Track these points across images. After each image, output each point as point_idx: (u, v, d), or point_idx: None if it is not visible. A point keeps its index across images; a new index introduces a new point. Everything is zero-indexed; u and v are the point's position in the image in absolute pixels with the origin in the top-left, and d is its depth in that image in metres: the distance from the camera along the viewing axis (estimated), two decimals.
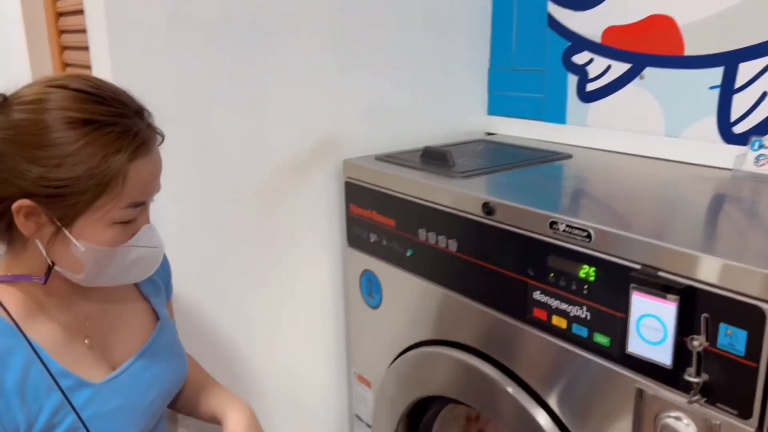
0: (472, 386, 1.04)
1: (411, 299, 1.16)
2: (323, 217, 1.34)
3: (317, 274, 1.35)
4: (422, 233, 1.10)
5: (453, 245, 1.04)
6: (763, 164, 1.02)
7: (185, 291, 1.20)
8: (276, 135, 1.24)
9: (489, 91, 1.49)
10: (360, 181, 1.23)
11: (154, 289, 0.97)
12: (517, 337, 0.96)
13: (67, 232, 0.75)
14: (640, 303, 0.76)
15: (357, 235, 1.27)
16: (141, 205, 0.79)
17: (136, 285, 0.94)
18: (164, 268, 1.02)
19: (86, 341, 0.85)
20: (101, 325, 0.88)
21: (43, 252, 0.77)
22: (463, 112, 1.49)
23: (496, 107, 1.49)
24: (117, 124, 0.74)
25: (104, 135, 0.73)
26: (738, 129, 1.08)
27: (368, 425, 1.34)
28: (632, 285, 0.77)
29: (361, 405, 1.36)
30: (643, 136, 1.21)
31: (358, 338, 1.34)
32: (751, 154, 1.04)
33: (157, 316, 0.95)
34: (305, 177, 1.29)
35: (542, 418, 0.94)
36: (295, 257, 1.32)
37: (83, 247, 0.76)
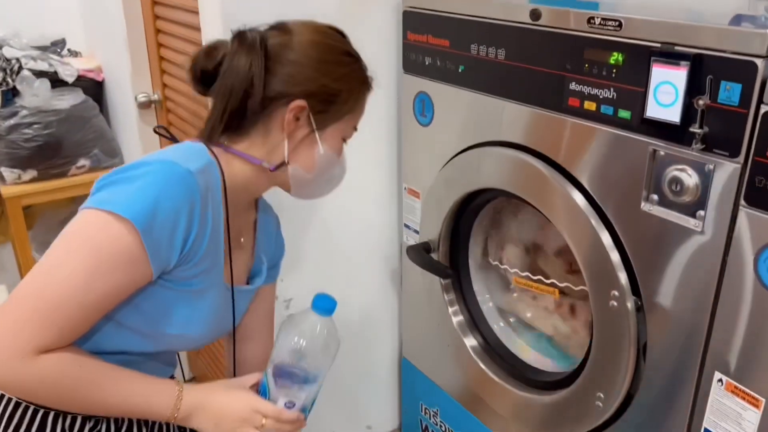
0: (514, 175, 1.24)
1: (460, 112, 1.35)
2: (381, 45, 1.51)
3: (373, 97, 1.54)
4: (474, 48, 1.27)
5: (501, 54, 1.22)
6: None
7: None
8: None
9: None
10: (418, 8, 1.39)
11: (259, 257, 1.15)
12: (554, 126, 1.14)
13: (317, 135, 0.99)
14: (658, 73, 0.94)
15: (412, 60, 1.44)
16: (356, 130, 1.06)
17: (254, 237, 1.13)
18: (280, 248, 1.22)
19: (242, 239, 1.08)
20: (246, 237, 1.10)
21: (286, 149, 0.98)
22: None
23: None
24: (362, 63, 1.05)
25: (360, 68, 1.04)
26: None
27: (416, 231, 1.57)
28: (652, 58, 0.94)
29: (409, 215, 1.59)
30: None
31: (409, 155, 1.55)
32: None
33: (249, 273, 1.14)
34: (365, 8, 1.46)
35: (578, 196, 1.13)
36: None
37: (323, 151, 1.00)
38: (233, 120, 0.96)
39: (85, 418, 0.96)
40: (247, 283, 1.14)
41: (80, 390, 0.86)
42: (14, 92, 2.11)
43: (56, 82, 2.19)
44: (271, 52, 0.96)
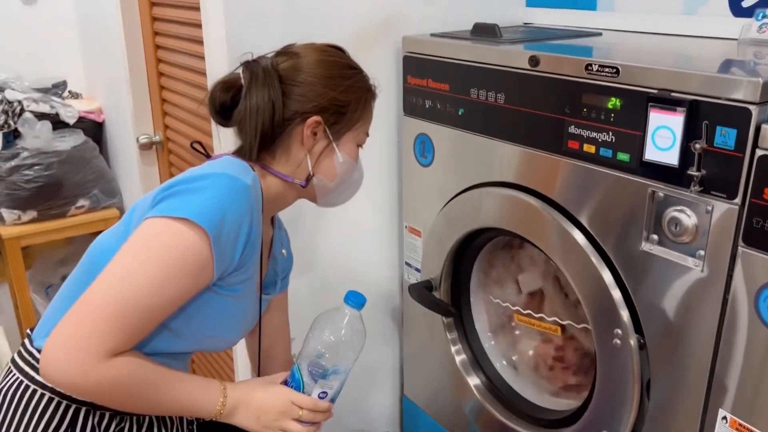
0: (515, 214, 1.27)
1: (460, 153, 1.38)
2: (382, 88, 1.54)
3: (375, 139, 1.58)
4: (473, 92, 1.31)
5: (501, 98, 1.25)
6: (765, 31, 1.22)
7: None
8: (344, 12, 1.45)
9: None
10: (418, 53, 1.43)
11: (273, 266, 1.21)
12: (554, 168, 1.18)
13: (335, 146, 1.07)
14: (656, 118, 0.98)
15: (413, 103, 1.48)
16: (368, 135, 1.14)
17: (271, 248, 1.19)
18: (290, 261, 1.27)
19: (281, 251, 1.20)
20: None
21: (310, 163, 1.06)
22: (503, 5, 1.67)
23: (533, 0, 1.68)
24: (364, 74, 1.13)
25: (363, 78, 1.11)
26: (746, 3, 1.27)
27: (417, 269, 1.59)
28: (650, 104, 0.98)
29: (411, 253, 1.61)
30: (664, 15, 1.40)
31: (410, 194, 1.57)
32: (755, 24, 1.23)
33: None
34: (367, 53, 1.50)
35: (578, 235, 1.15)
36: None
37: (342, 159, 1.08)
38: (264, 143, 1.04)
39: (113, 416, 1.00)
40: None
41: (143, 391, 0.92)
42: (16, 134, 2.13)
43: (57, 123, 2.21)
44: (284, 76, 1.04)
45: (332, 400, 1.10)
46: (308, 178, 1.07)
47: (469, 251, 1.45)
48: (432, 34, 1.47)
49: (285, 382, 1.09)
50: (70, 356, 0.84)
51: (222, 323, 1.03)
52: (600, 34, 1.43)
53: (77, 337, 0.84)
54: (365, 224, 1.66)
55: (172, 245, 0.88)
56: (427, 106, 1.44)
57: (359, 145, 1.13)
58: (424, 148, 1.48)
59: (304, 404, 1.05)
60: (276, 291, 1.22)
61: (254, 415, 1.02)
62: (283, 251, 1.24)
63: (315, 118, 1.03)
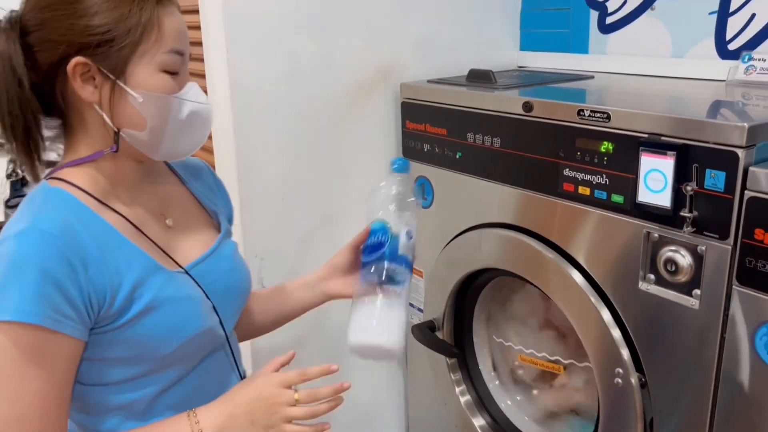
0: (514, 255, 1.29)
1: (459, 195, 1.41)
2: (381, 133, 1.59)
3: (376, 181, 1.61)
4: (470, 136, 1.34)
5: (497, 142, 1.29)
6: (751, 73, 1.25)
7: (264, 191, 1.46)
8: (344, 60, 1.49)
9: (521, 29, 1.73)
10: (415, 99, 1.48)
11: (215, 209, 1.04)
12: (550, 209, 1.20)
13: (122, 84, 0.81)
14: (647, 162, 1.01)
15: (411, 147, 1.52)
16: (181, 55, 0.85)
17: (198, 200, 1.02)
18: (226, 200, 1.09)
19: (167, 221, 0.94)
20: (175, 213, 0.96)
21: (107, 118, 0.82)
22: (498, 49, 1.72)
23: (526, 44, 1.73)
24: None
25: None
26: (732, 46, 1.31)
27: (420, 309, 1.60)
28: (641, 148, 1.01)
29: (413, 294, 1.62)
30: (653, 58, 1.44)
31: None
32: (742, 66, 1.27)
33: (218, 229, 1.02)
34: (367, 98, 1.55)
35: (576, 275, 1.17)
36: (356, 168, 1.58)
37: (141, 97, 0.82)
38: (29, 137, 0.83)
39: None
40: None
41: None
42: (23, 182, 2.17)
43: None
44: (25, 25, 0.82)
45: (413, 251, 1.01)
46: (117, 138, 0.84)
47: (470, 291, 1.47)
48: (429, 81, 1.51)
49: (365, 244, 1.00)
50: None
51: (163, 336, 0.85)
52: (592, 77, 1.48)
53: None
54: None
55: (3, 350, 0.75)
56: (425, 149, 1.47)
57: (171, 72, 0.85)
58: (423, 191, 1.51)
59: (292, 378, 0.84)
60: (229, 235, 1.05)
61: (246, 423, 0.83)
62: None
63: (74, 60, 0.80)
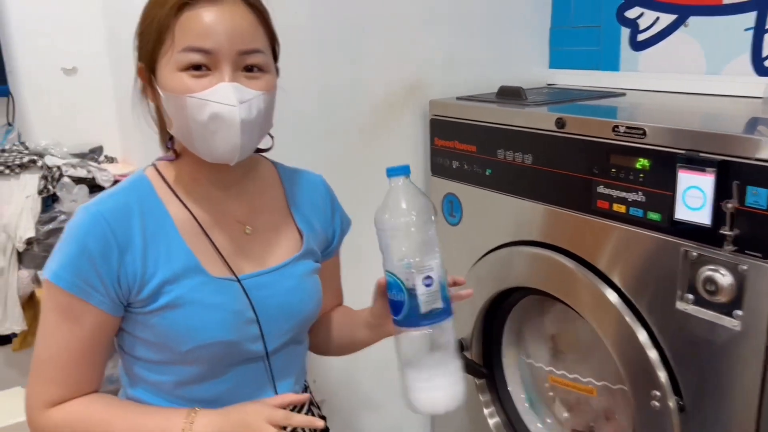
0: (546, 274, 1.27)
1: (489, 212, 1.39)
2: (410, 150, 1.58)
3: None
4: (500, 153, 1.33)
5: (528, 159, 1.27)
6: None
7: None
8: (373, 79, 1.50)
9: (550, 47, 1.72)
10: (444, 116, 1.47)
11: (305, 229, 1.01)
12: (584, 227, 1.18)
13: (155, 85, 0.87)
14: (685, 178, 0.99)
15: (440, 164, 1.51)
16: (205, 52, 0.83)
17: (290, 213, 1.01)
18: (330, 222, 1.07)
19: (246, 229, 0.94)
20: (260, 222, 0.97)
21: (167, 118, 0.88)
22: (527, 66, 1.72)
23: (556, 61, 1.72)
24: None
25: None
26: None
27: None
28: (679, 165, 0.99)
29: None
30: (687, 75, 1.42)
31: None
32: None
33: (301, 245, 1.00)
34: (397, 116, 1.54)
35: (611, 294, 1.15)
36: (386, 187, 1.56)
37: (164, 96, 0.85)
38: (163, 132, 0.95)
39: None
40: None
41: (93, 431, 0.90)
42: (54, 198, 2.20)
43: (94, 187, 2.28)
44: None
45: (442, 286, 0.88)
46: (171, 138, 0.93)
47: (500, 310, 1.44)
48: (458, 98, 1.51)
49: (388, 300, 0.89)
50: (26, 411, 0.91)
51: (185, 333, 0.87)
52: (624, 94, 1.46)
53: (26, 394, 0.91)
54: None
55: (46, 302, 0.89)
56: (454, 166, 1.46)
57: (188, 68, 0.83)
58: (452, 207, 1.50)
59: (277, 419, 0.84)
60: (317, 256, 1.03)
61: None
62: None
63: (138, 65, 0.90)
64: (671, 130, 1.02)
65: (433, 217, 0.90)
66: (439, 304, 0.87)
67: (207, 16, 0.83)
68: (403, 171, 0.90)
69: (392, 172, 0.91)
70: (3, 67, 2.19)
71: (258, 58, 0.87)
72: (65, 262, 0.85)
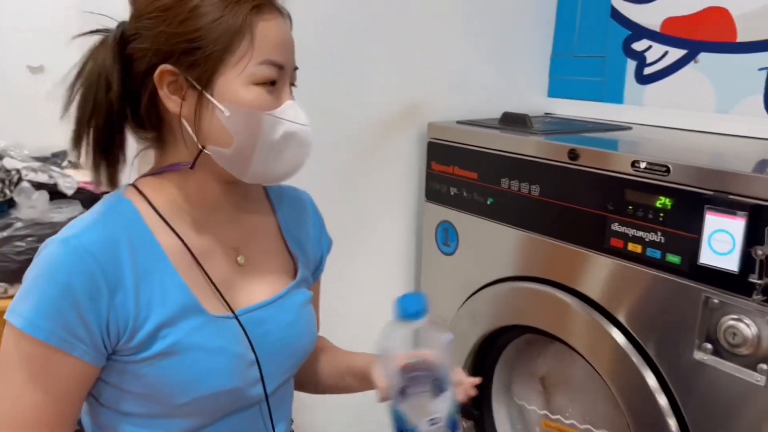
0: (549, 312, 1.19)
1: (488, 244, 1.32)
2: (405, 173, 1.50)
3: (395, 224, 1.52)
4: (504, 182, 1.26)
5: (535, 190, 1.21)
6: None
7: None
8: (372, 97, 1.42)
9: (550, 75, 1.67)
10: (443, 140, 1.40)
11: (298, 253, 0.94)
12: (594, 265, 1.11)
13: (209, 96, 0.75)
14: (713, 221, 0.93)
15: (436, 190, 1.43)
16: (279, 67, 0.77)
17: (284, 239, 0.93)
18: (320, 243, 1.01)
19: (238, 258, 0.85)
20: (252, 249, 0.87)
21: (191, 131, 0.76)
22: (525, 94, 1.66)
23: (555, 90, 1.67)
24: None
25: None
26: None
27: None
28: (706, 206, 0.93)
29: None
30: (695, 113, 1.39)
31: (430, 284, 1.50)
32: None
33: (295, 274, 0.92)
34: (393, 135, 1.47)
35: (618, 335, 1.08)
36: (377, 208, 1.49)
37: (228, 111, 0.75)
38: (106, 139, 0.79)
39: None
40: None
41: None
42: (10, 204, 2.05)
43: (55, 194, 2.13)
44: (126, 35, 0.78)
45: (454, 424, 0.82)
46: (198, 155, 0.78)
47: (493, 348, 1.37)
48: (458, 122, 1.44)
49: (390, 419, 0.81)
50: None
51: (181, 384, 0.76)
52: (630, 128, 1.41)
53: None
54: (381, 314, 1.57)
55: (14, 353, 0.72)
56: (452, 193, 1.39)
57: (264, 83, 0.76)
58: (446, 236, 1.42)
59: None
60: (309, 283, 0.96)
61: None
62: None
63: (161, 68, 0.75)
64: (699, 169, 0.97)
65: (449, 356, 0.82)
66: None
67: (279, 26, 0.79)
68: (418, 308, 0.79)
69: (406, 313, 0.79)
70: None
71: (295, 75, 0.84)
72: (43, 307, 0.70)
